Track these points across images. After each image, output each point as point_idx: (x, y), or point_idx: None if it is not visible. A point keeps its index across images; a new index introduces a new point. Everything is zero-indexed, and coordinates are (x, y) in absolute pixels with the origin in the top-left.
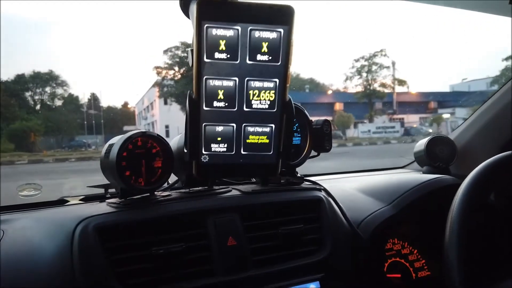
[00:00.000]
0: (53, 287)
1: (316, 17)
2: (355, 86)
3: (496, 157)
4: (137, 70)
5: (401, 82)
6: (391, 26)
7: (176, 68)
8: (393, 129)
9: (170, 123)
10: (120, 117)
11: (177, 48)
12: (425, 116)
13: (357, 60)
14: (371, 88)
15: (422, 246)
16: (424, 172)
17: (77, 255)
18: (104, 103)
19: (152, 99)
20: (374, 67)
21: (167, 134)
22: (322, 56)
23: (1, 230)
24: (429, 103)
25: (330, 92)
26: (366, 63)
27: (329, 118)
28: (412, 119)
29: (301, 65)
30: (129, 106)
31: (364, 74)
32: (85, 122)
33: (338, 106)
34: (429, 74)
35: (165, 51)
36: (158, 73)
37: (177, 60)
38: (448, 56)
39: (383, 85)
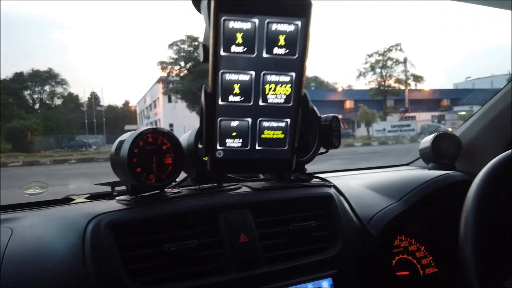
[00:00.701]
0: (65, 285)
1: (319, 15)
2: (368, 83)
3: (509, 152)
4: (138, 69)
5: (417, 78)
6: (393, 24)
7: (182, 63)
8: (409, 127)
9: (175, 121)
10: (121, 116)
11: (183, 42)
12: (437, 114)
13: (370, 55)
14: (386, 84)
15: (430, 243)
16: (430, 169)
17: (90, 252)
18: (105, 102)
19: (155, 97)
20: (389, 62)
21: None
22: (326, 54)
23: (9, 229)
24: (442, 101)
25: (340, 89)
26: (380, 58)
27: (340, 116)
28: (424, 117)
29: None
30: (130, 105)
31: (378, 70)
32: (86, 121)
33: (349, 104)
34: (432, 72)
35: (171, 45)
36: (163, 69)
37: (183, 54)
38: (451, 54)
39: (399, 81)
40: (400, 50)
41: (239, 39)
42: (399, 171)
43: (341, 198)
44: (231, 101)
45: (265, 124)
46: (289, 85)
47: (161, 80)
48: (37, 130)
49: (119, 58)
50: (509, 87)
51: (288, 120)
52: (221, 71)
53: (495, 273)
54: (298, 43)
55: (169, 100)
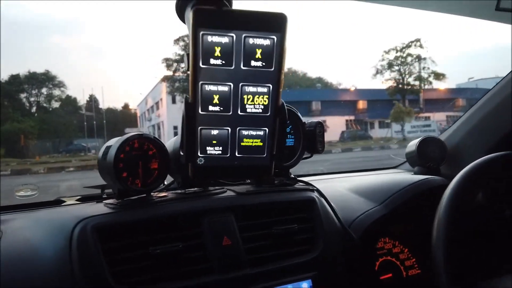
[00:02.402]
0: (52, 287)
1: (320, 17)
2: (385, 81)
3: (483, 158)
4: (138, 70)
5: (438, 76)
6: (392, 25)
7: None
8: (429, 127)
9: (179, 123)
10: (121, 119)
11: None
12: (452, 115)
13: (387, 52)
14: (405, 82)
15: (412, 245)
16: (415, 172)
17: (76, 255)
18: (104, 104)
19: (158, 98)
20: (409, 59)
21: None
22: (327, 55)
23: (0, 231)
24: (457, 100)
25: (353, 88)
26: (399, 54)
27: (352, 118)
28: (439, 117)
29: (307, 64)
30: (130, 107)
31: (396, 67)
32: (85, 123)
33: (362, 104)
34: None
35: (176, 40)
36: (168, 67)
37: None
38: (451, 54)
39: (419, 78)
40: (420, 46)
41: (217, 53)
42: (385, 174)
43: (324, 201)
44: (211, 111)
45: (244, 132)
46: (266, 96)
47: (165, 79)
48: (32, 134)
49: (118, 59)
50: (492, 93)
51: (266, 129)
52: (200, 82)
53: (467, 276)
54: (275, 56)
55: (173, 101)
